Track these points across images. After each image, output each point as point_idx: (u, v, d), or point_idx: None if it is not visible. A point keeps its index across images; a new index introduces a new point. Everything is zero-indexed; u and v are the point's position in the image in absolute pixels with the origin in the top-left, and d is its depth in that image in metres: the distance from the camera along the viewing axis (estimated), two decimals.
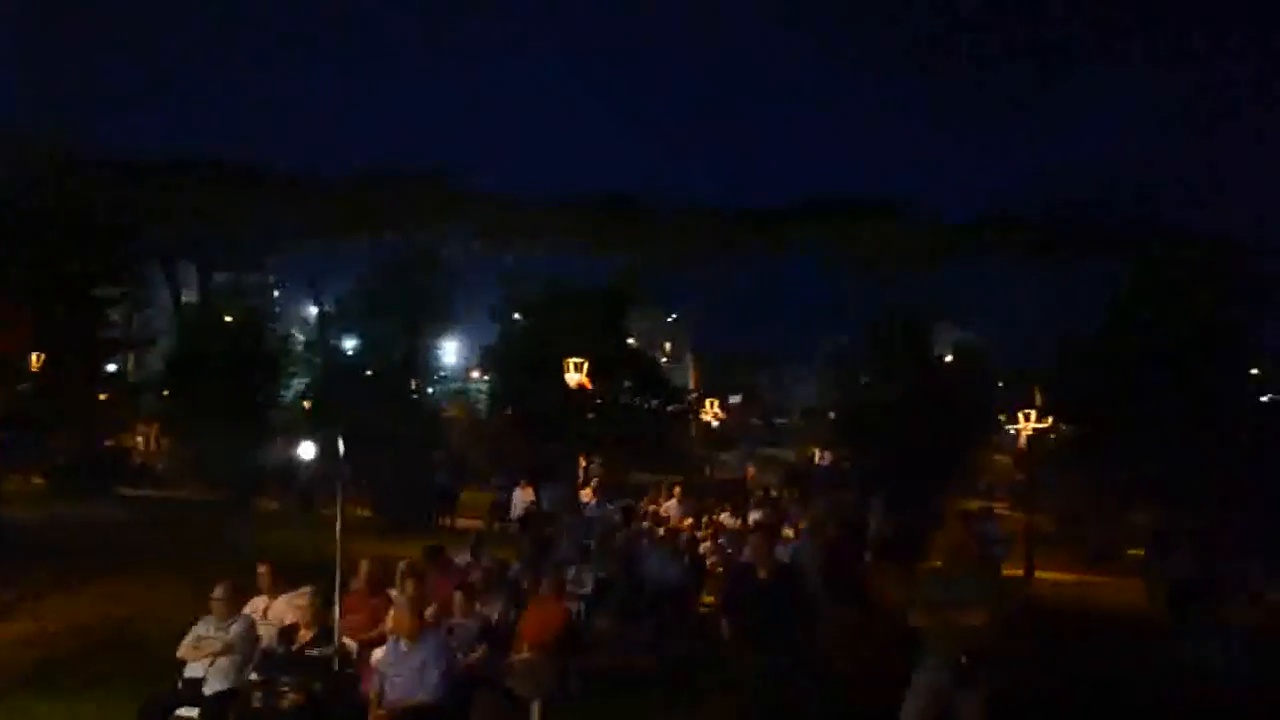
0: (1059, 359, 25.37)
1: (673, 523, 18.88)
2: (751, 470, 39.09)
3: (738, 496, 24.92)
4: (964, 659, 6.55)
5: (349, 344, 27.18)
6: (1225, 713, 8.65)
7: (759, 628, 7.46)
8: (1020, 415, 23.77)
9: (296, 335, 33.32)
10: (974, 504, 27.08)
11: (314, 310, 35.64)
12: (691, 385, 51.74)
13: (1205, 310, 22.56)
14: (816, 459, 38.94)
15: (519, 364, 27.95)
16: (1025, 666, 10.53)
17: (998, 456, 36.55)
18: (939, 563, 7.09)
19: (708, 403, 43.87)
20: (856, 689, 8.74)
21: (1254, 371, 26.67)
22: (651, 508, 20.85)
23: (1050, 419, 24.83)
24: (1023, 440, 24.39)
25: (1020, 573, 21.14)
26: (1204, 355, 21.88)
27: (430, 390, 28.36)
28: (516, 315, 30.17)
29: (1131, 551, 21.37)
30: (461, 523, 23.21)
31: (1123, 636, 12.74)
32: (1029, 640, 12.46)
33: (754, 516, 19.17)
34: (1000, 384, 31.06)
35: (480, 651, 8.71)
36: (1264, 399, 27.25)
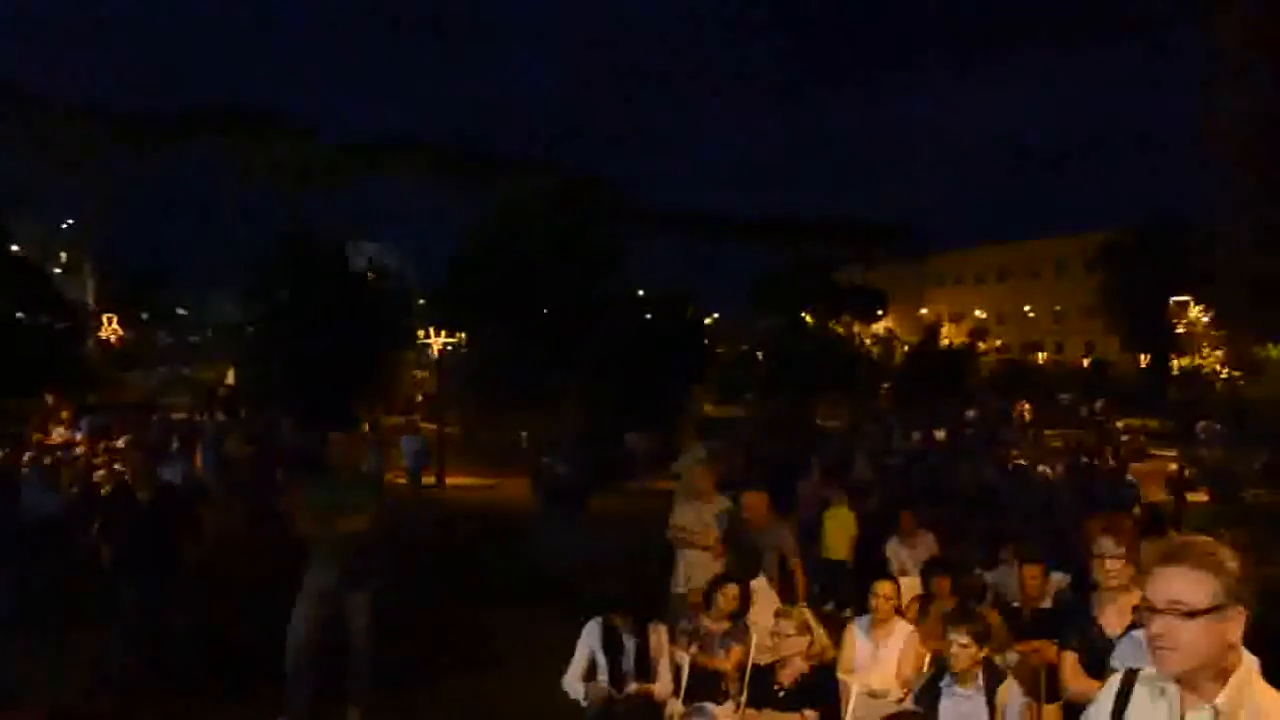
0: (450, 276, 26.50)
1: (64, 450, 17.26)
2: None
3: (143, 419, 23.36)
4: (350, 562, 6.84)
5: None
6: (581, 581, 9.84)
7: (138, 552, 7.16)
8: (431, 330, 24.75)
9: None
10: (395, 419, 27.79)
11: None
12: (91, 300, 47.11)
13: (583, 235, 24.77)
14: (230, 377, 37.51)
15: None
16: (423, 564, 11.26)
17: (418, 371, 37.76)
18: (327, 472, 7.27)
19: (105, 319, 40.26)
20: (251, 602, 8.71)
21: (641, 293, 29.93)
22: (37, 435, 18.89)
23: (462, 334, 26.11)
24: (434, 354, 25.44)
25: (433, 480, 22.27)
26: (583, 278, 24.08)
27: None
28: None
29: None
30: None
31: (512, 529, 14.02)
32: (433, 540, 13.36)
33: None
34: (422, 301, 31.94)
35: None
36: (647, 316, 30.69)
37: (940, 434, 23.61)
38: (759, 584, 7.03)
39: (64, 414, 20.44)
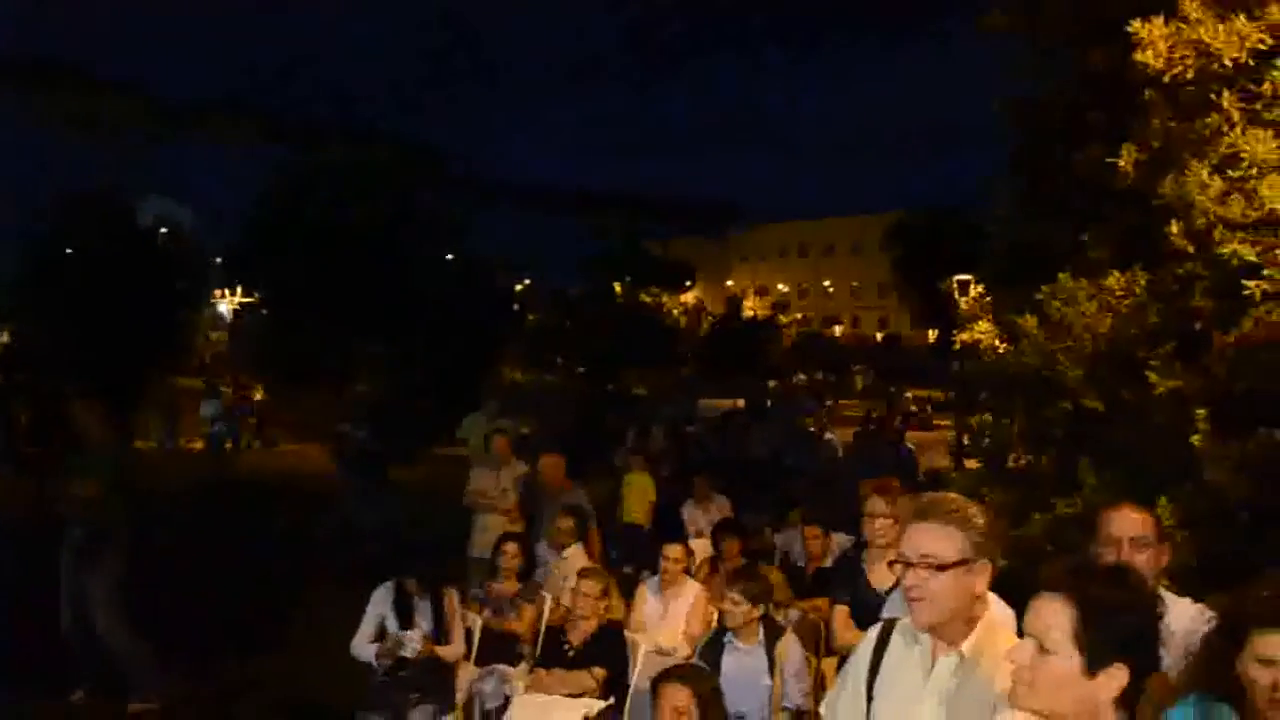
0: (245, 233, 25.40)
1: None
2: None
3: None
4: (78, 538, 6.52)
5: None
6: (376, 547, 9.73)
7: None
8: (225, 291, 23.79)
9: None
10: (191, 381, 26.54)
11: None
12: None
13: (395, 201, 24.16)
14: (4, 336, 34.98)
15: None
16: (214, 532, 10.84)
17: (215, 334, 36.20)
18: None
19: None
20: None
21: (450, 258, 29.35)
22: None
23: (255, 294, 25.13)
24: (228, 315, 24.47)
25: (230, 446, 21.45)
26: (389, 242, 23.44)
27: None
28: None
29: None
30: None
31: (311, 495, 13.65)
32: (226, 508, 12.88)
33: None
34: (219, 260, 30.48)
35: None
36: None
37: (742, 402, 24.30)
38: (575, 550, 7.11)
39: None
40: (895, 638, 2.81)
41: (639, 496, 10.08)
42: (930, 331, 52.32)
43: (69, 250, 25.13)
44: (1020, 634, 2.74)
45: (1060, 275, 5.42)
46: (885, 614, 3.97)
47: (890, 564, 2.77)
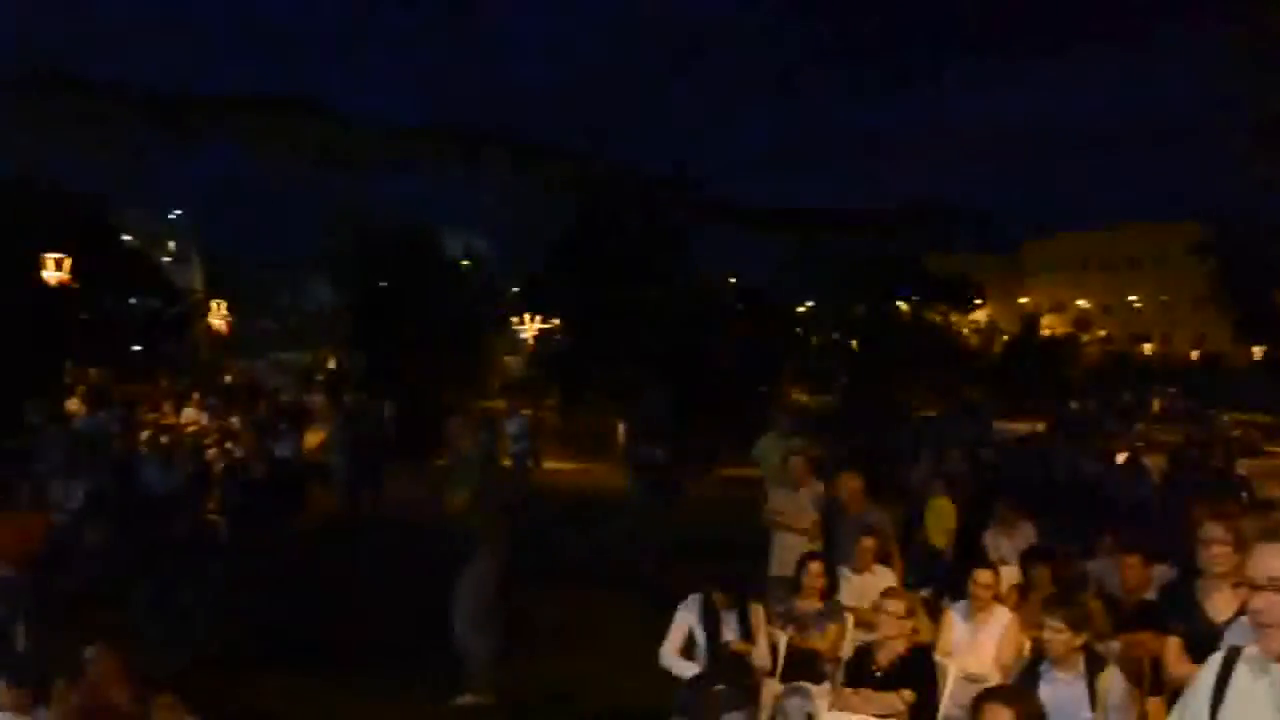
0: (547, 264, 26.65)
1: (189, 430, 18.02)
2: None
3: (249, 400, 24.23)
4: (456, 541, 7.08)
5: None
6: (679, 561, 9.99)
7: (255, 523, 7.50)
8: (525, 317, 25.15)
9: None
10: (494, 403, 28.25)
11: None
12: (198, 287, 48.69)
13: (649, 225, 24.79)
14: (331, 362, 38.51)
15: None
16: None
17: (509, 358, 38.38)
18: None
19: (214, 305, 41.67)
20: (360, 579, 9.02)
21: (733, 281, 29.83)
22: (151, 415, 19.71)
23: (557, 321, 26.43)
24: (529, 341, 25.85)
25: (530, 464, 22.56)
26: (652, 263, 24.04)
27: None
28: None
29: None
30: None
31: (610, 511, 14.22)
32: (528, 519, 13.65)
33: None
34: (516, 289, 32.35)
35: None
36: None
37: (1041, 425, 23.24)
38: (881, 570, 7.16)
39: (195, 395, 21.47)
40: (1240, 667, 2.66)
41: (940, 521, 9.84)
42: (1255, 348, 48.01)
43: (385, 282, 27.46)
44: None
45: None
46: (1227, 643, 3.73)
47: (1235, 586, 2.63)
